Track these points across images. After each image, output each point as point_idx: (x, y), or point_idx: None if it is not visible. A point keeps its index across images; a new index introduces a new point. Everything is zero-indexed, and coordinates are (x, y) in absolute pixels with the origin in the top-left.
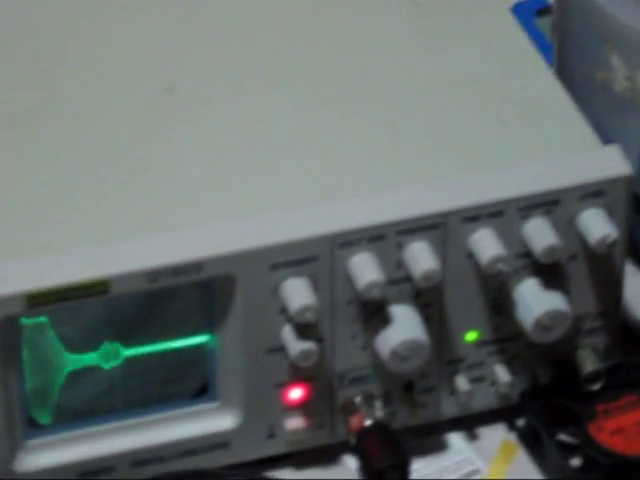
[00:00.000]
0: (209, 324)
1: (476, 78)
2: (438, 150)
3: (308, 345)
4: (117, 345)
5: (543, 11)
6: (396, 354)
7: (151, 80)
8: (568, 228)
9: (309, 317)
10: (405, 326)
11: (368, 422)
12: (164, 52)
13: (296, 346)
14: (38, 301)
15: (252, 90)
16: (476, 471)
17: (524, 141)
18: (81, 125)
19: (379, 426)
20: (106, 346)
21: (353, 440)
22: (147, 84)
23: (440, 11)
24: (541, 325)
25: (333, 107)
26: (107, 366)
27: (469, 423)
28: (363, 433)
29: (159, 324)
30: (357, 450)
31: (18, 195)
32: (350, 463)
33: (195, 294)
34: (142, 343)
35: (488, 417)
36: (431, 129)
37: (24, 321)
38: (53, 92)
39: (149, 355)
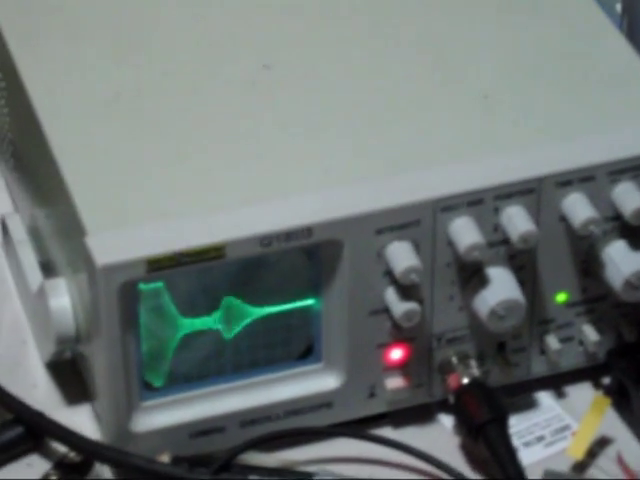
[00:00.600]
0: (315, 287)
1: (559, 51)
2: (529, 119)
3: (412, 305)
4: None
5: None
6: (494, 313)
7: (249, 59)
8: None
9: (414, 278)
10: (502, 286)
11: (465, 380)
12: (260, 32)
13: (400, 307)
14: (157, 266)
15: (346, 65)
16: (567, 427)
17: (609, 109)
18: (187, 101)
19: (477, 383)
20: (219, 311)
21: (452, 398)
22: (245, 62)
23: None
24: (630, 284)
25: (427, 81)
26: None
27: (556, 382)
28: (461, 391)
29: (267, 288)
30: (456, 407)
31: (133, 167)
32: (446, 422)
33: (302, 258)
34: (251, 307)
35: (574, 376)
36: (520, 99)
37: (142, 286)
38: (158, 71)
39: (257, 318)
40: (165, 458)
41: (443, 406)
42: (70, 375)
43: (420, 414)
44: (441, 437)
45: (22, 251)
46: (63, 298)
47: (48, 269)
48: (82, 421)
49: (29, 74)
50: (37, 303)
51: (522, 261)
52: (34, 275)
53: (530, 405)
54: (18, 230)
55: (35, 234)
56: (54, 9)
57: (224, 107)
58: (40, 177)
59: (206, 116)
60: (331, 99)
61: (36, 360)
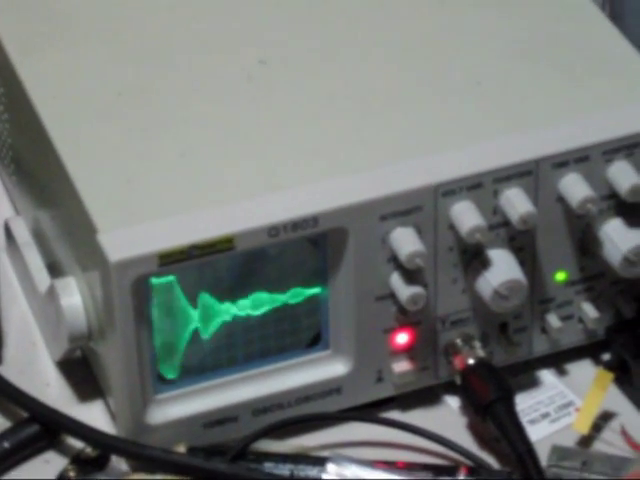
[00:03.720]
0: (321, 276)
1: (549, 36)
2: (522, 103)
3: (417, 289)
4: (237, 301)
5: None
6: (497, 294)
7: (245, 54)
8: None
9: (419, 262)
10: (504, 268)
11: (471, 361)
12: (255, 29)
13: (406, 291)
14: (169, 260)
15: (341, 57)
16: (570, 403)
17: (601, 90)
18: (186, 97)
19: (482, 364)
20: (228, 303)
21: (458, 379)
22: (242, 58)
23: None
24: (628, 261)
25: (421, 70)
26: (230, 320)
27: (557, 360)
28: (467, 371)
29: (274, 278)
30: (463, 388)
31: (139, 164)
32: (451, 402)
33: (308, 248)
34: (258, 297)
35: (574, 353)
36: (513, 84)
37: (153, 281)
38: (157, 69)
39: (265, 308)
40: (181, 449)
41: (448, 387)
42: (81, 373)
43: (426, 396)
44: (448, 418)
45: (27, 253)
46: (74, 297)
47: (54, 270)
48: (95, 417)
49: (30, 78)
50: (46, 304)
51: (521, 242)
52: (41, 276)
53: (533, 383)
54: (22, 233)
55: (39, 236)
56: (52, 14)
57: (224, 102)
58: (44, 179)
59: (207, 112)
60: (327, 91)
61: (47, 360)
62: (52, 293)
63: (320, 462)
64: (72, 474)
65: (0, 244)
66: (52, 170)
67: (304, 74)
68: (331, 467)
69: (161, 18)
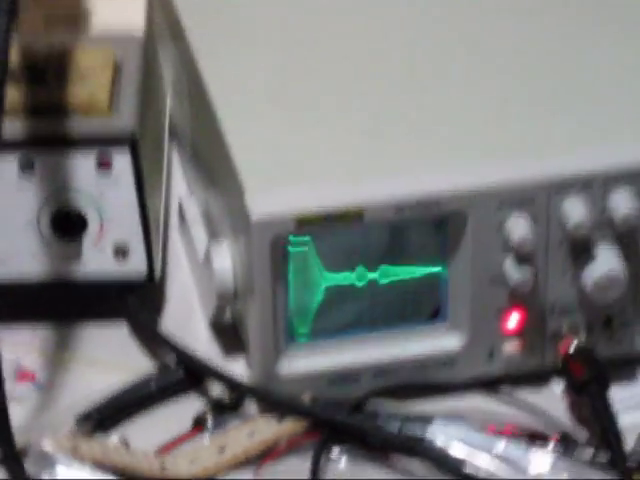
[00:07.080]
0: (442, 256)
1: None
2: (633, 109)
3: (527, 275)
4: (366, 269)
5: None
6: (597, 285)
7: (405, 54)
8: None
9: (529, 248)
10: (606, 261)
11: (574, 347)
12: (417, 36)
13: (516, 274)
14: (305, 223)
15: (470, 63)
16: None
17: None
18: (346, 90)
19: (583, 349)
20: (359, 269)
21: (561, 363)
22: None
23: None
24: None
25: (541, 78)
26: (359, 285)
27: None
28: (569, 356)
29: (402, 254)
30: (563, 371)
31: (287, 136)
32: (556, 388)
33: (432, 229)
34: (387, 269)
35: None
36: (627, 94)
37: (290, 249)
38: (326, 77)
39: (392, 280)
40: (306, 398)
41: (553, 372)
42: (230, 338)
43: (532, 379)
44: (551, 399)
45: (195, 229)
46: (226, 260)
47: None
48: (235, 371)
49: (210, 75)
50: (204, 269)
51: (628, 240)
52: (203, 246)
53: (630, 377)
54: (193, 211)
55: (208, 217)
56: (236, 17)
57: (376, 94)
58: (212, 161)
59: (349, 95)
60: (450, 91)
61: (201, 324)
62: (208, 257)
63: (428, 421)
64: (208, 415)
65: (174, 224)
66: (221, 156)
67: (441, 80)
68: (438, 427)
69: (334, 26)
